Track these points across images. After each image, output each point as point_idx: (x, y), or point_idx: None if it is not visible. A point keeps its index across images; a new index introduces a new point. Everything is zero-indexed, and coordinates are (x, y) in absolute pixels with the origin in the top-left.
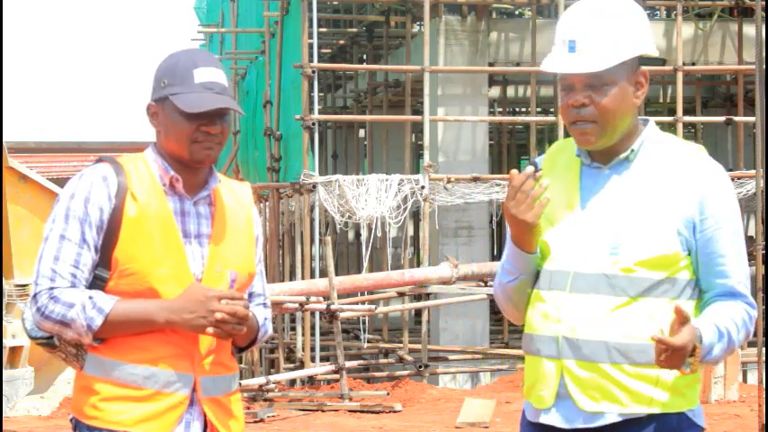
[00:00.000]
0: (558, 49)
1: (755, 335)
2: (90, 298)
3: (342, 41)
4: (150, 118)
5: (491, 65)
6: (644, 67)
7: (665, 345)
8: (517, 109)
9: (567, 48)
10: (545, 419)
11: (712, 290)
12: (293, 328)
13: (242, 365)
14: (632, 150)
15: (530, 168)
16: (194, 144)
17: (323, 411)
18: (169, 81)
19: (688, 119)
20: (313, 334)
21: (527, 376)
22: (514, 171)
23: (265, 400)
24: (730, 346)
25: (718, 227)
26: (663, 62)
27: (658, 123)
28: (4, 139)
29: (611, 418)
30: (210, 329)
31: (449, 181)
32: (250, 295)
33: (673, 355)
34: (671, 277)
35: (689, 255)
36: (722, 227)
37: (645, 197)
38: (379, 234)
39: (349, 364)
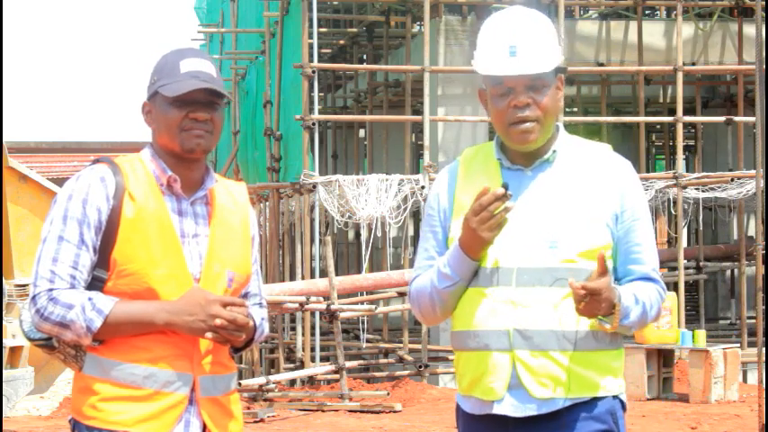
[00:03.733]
0: (496, 54)
1: (755, 335)
2: (89, 299)
3: (342, 41)
4: (145, 117)
5: None
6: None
7: (585, 289)
8: None
9: (508, 52)
10: (498, 410)
11: (629, 276)
12: (293, 328)
13: (242, 365)
14: (554, 151)
15: (500, 190)
16: (183, 132)
17: (323, 411)
18: (158, 77)
19: (688, 119)
20: (313, 334)
21: (467, 372)
22: (488, 186)
23: (265, 400)
24: (644, 317)
25: (635, 218)
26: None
27: (658, 123)
28: (4, 139)
29: (561, 403)
30: (209, 334)
31: None
32: (246, 295)
33: (592, 301)
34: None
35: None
36: (638, 218)
37: (573, 194)
38: (379, 234)
39: (349, 364)
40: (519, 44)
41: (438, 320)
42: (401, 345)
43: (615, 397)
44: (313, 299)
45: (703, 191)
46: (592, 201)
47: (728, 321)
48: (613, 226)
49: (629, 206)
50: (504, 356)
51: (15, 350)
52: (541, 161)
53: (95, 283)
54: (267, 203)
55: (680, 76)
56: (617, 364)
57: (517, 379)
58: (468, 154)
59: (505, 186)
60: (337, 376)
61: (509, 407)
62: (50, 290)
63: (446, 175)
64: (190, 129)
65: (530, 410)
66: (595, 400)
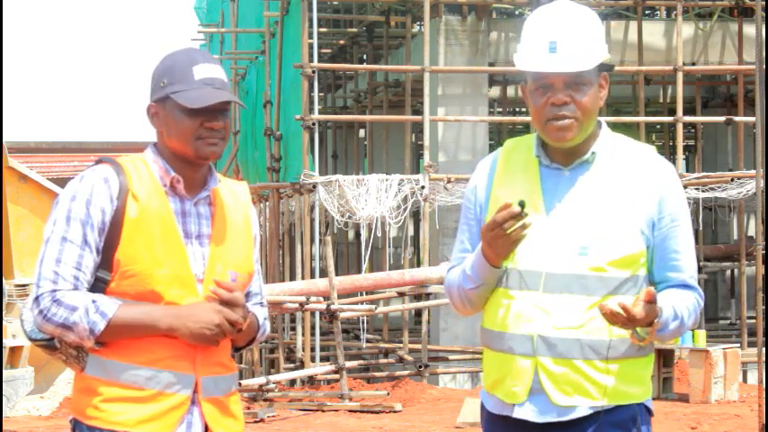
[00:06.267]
0: (536, 50)
1: (755, 335)
2: (93, 302)
3: (342, 41)
4: (151, 119)
5: (491, 65)
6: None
7: (628, 314)
8: (517, 109)
9: (547, 48)
10: (519, 414)
11: (666, 282)
12: (293, 328)
13: (242, 365)
14: (593, 153)
15: (516, 209)
16: (198, 141)
17: (323, 411)
18: (169, 80)
19: (688, 119)
20: (313, 334)
21: (492, 371)
22: (510, 201)
23: (265, 400)
24: (680, 328)
25: (674, 224)
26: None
27: (658, 123)
28: (4, 139)
29: (582, 411)
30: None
31: (449, 181)
32: (248, 294)
33: (628, 323)
34: (634, 275)
35: (646, 251)
36: (678, 224)
37: (609, 199)
38: (379, 234)
39: (349, 364)
40: (560, 40)
41: (470, 313)
42: (401, 345)
43: (641, 404)
44: (313, 299)
45: (703, 191)
46: (628, 207)
47: (728, 321)
48: (649, 232)
49: (667, 212)
50: (526, 362)
51: (15, 350)
52: (580, 162)
53: (98, 285)
54: (267, 203)
55: (680, 76)
56: (645, 371)
57: (539, 385)
58: (509, 146)
59: (522, 205)
60: (337, 376)
61: (529, 412)
62: (54, 291)
63: (484, 168)
64: (206, 137)
65: (550, 417)
66: (618, 407)
